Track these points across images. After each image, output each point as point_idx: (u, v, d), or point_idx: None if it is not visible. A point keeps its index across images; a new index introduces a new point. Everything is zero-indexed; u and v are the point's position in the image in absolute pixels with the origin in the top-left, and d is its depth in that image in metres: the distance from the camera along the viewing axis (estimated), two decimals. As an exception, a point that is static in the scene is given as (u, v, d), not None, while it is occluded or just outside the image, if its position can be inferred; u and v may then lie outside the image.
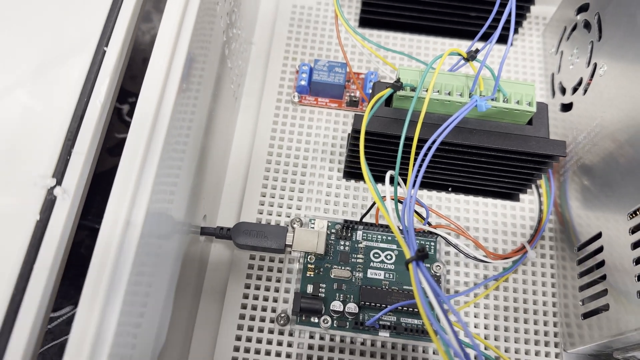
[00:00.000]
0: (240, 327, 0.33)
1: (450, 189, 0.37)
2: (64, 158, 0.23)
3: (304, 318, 0.33)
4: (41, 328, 0.21)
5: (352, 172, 0.37)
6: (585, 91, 0.35)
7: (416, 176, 0.27)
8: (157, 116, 0.24)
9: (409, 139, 0.30)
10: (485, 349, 0.33)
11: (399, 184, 0.31)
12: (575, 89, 0.36)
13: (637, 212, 0.28)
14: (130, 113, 0.41)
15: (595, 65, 0.34)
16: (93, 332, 0.20)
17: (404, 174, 0.34)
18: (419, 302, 0.22)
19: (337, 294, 0.33)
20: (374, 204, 0.35)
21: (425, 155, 0.27)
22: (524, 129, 0.32)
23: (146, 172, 0.23)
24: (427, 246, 0.35)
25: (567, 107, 0.37)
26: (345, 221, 0.35)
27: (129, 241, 0.22)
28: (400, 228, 0.26)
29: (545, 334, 0.34)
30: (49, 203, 0.22)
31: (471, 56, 0.30)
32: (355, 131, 0.31)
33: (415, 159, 0.28)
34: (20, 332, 0.20)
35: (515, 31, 0.43)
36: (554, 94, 0.40)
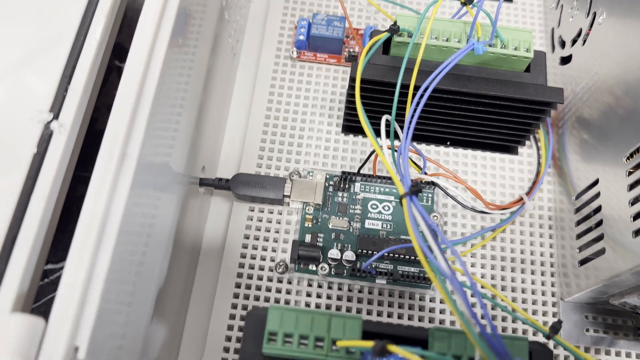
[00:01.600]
0: (239, 275, 0.33)
1: (448, 143, 0.37)
2: (60, 94, 0.24)
3: (302, 266, 0.33)
4: (37, 263, 0.22)
5: (350, 126, 0.37)
6: (584, 42, 0.35)
7: (412, 117, 0.27)
8: (148, 66, 0.24)
9: (407, 87, 0.30)
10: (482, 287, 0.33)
11: (395, 132, 0.31)
12: (574, 41, 0.36)
13: (634, 155, 0.28)
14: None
15: (595, 14, 0.34)
16: (84, 276, 0.20)
17: (401, 122, 0.34)
18: (411, 233, 0.22)
19: (335, 244, 0.33)
20: (371, 153, 0.35)
21: (421, 97, 0.27)
22: (521, 76, 0.32)
23: (139, 116, 0.23)
24: (424, 197, 0.35)
25: (566, 60, 0.37)
26: (343, 173, 0.35)
27: (124, 173, 0.22)
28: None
29: (543, 283, 0.34)
30: (46, 137, 0.23)
31: (468, 0, 0.30)
32: (352, 79, 0.32)
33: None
34: (17, 259, 0.21)
35: (516, -13, 0.43)
36: (553, 48, 0.39)
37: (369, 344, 0.21)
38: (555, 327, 0.23)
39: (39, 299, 0.36)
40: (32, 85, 0.24)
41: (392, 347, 0.20)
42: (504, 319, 0.33)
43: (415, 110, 0.27)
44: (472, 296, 0.33)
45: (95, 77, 0.25)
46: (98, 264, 0.21)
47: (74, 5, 0.26)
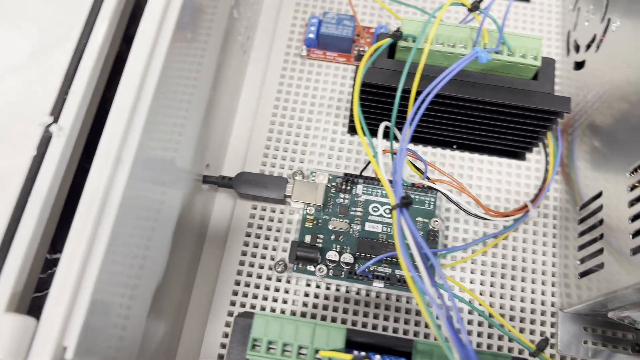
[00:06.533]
0: (239, 273, 0.34)
1: (455, 147, 0.37)
2: (61, 97, 0.24)
3: (300, 266, 0.33)
4: (34, 262, 0.23)
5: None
6: (598, 48, 0.34)
7: (410, 122, 0.27)
8: (150, 59, 0.24)
9: (409, 92, 0.30)
10: (479, 304, 0.33)
11: (395, 136, 0.31)
12: (588, 46, 0.35)
13: (638, 169, 0.27)
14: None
15: (609, 20, 0.33)
16: (74, 278, 0.20)
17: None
18: (397, 246, 0.22)
19: (335, 245, 0.34)
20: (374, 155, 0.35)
21: (422, 103, 0.27)
22: (528, 84, 0.31)
23: (138, 112, 0.24)
24: (426, 201, 0.35)
25: (580, 65, 0.36)
26: (346, 174, 0.35)
27: (119, 178, 0.22)
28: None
29: (543, 292, 0.34)
30: (45, 139, 0.23)
31: (474, 6, 0.30)
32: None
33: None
34: (14, 257, 0.21)
35: (534, -13, 0.41)
36: (568, 51, 0.38)
37: (348, 357, 0.21)
38: (542, 345, 0.23)
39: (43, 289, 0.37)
40: (34, 88, 0.24)
41: (370, 361, 0.21)
42: (499, 337, 0.33)
43: (414, 115, 0.27)
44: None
45: (98, 80, 0.26)
46: (90, 265, 0.21)
47: (78, 6, 0.26)
